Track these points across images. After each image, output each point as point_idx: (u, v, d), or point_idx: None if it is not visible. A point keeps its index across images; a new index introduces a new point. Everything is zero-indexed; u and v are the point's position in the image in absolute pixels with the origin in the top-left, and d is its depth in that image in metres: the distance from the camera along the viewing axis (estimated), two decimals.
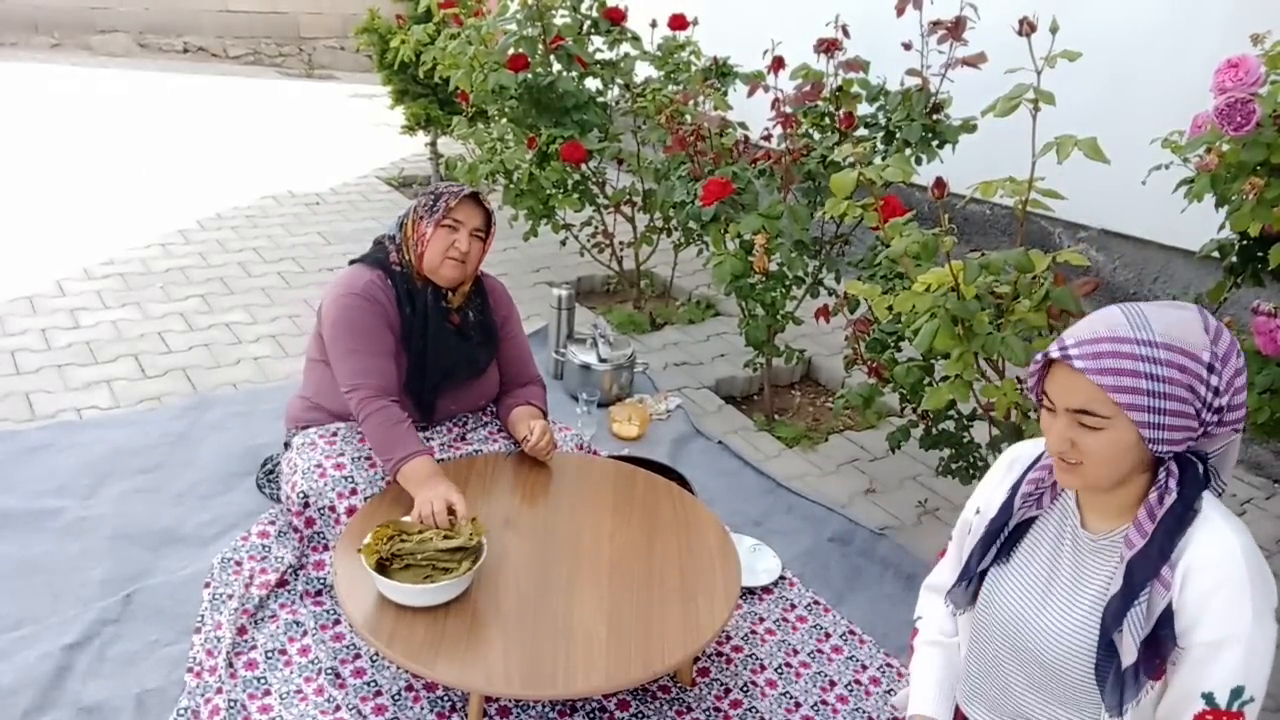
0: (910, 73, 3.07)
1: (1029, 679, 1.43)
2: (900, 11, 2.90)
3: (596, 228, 4.13)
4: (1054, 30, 2.05)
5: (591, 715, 2.02)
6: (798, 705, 2.11)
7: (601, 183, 4.10)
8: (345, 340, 2.29)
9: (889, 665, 2.24)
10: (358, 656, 2.10)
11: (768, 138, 3.32)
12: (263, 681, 2.01)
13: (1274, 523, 3.00)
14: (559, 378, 3.49)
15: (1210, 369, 1.21)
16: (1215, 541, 1.23)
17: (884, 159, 2.93)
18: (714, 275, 2.91)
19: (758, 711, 2.07)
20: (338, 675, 2.05)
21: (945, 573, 1.65)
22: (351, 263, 2.43)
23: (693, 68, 3.94)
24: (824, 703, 2.12)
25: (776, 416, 3.43)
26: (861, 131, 3.20)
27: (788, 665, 2.22)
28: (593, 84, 3.96)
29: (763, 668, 2.20)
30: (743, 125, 3.36)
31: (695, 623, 1.90)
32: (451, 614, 1.86)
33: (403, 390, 2.35)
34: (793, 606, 2.41)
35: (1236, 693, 1.21)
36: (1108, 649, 1.29)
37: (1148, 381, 1.21)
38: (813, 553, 2.64)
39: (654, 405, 3.35)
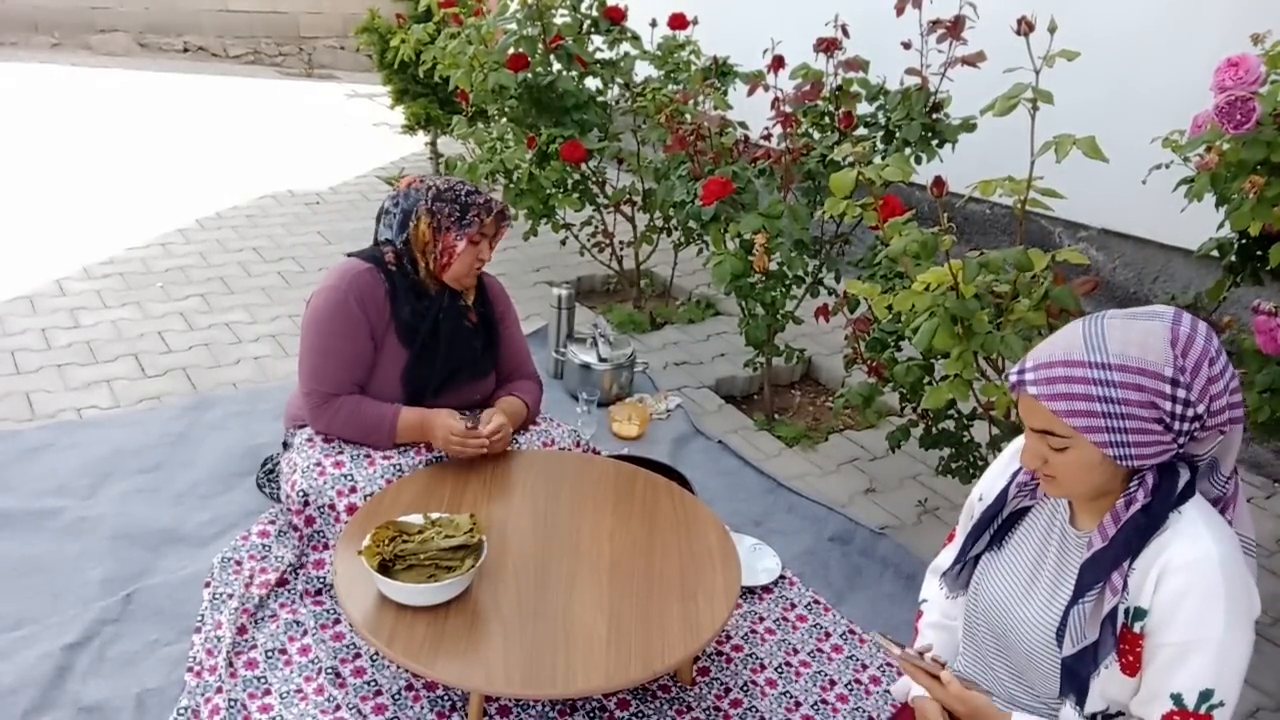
0: (910, 72, 3.08)
1: (1013, 667, 1.46)
2: (900, 11, 2.90)
3: (596, 227, 4.13)
4: (1052, 30, 2.06)
5: (591, 714, 2.02)
6: (798, 704, 2.11)
7: (601, 182, 4.09)
8: (312, 337, 2.31)
9: (889, 665, 2.24)
10: (358, 656, 2.10)
11: (767, 137, 3.32)
12: (263, 681, 2.02)
13: (1274, 522, 3.00)
14: (559, 377, 3.49)
15: (1174, 383, 1.21)
16: (1192, 547, 1.24)
17: (883, 158, 2.93)
18: (714, 275, 2.91)
19: (758, 711, 2.08)
20: (338, 674, 2.05)
21: (949, 555, 1.66)
22: (348, 256, 2.42)
23: (692, 67, 3.94)
24: (824, 702, 2.12)
25: (776, 416, 3.43)
26: (861, 131, 3.21)
27: (788, 664, 2.22)
28: (592, 83, 3.95)
29: (763, 667, 2.20)
30: (743, 125, 3.36)
31: (695, 622, 1.90)
32: (451, 613, 1.86)
33: (401, 383, 2.35)
34: (793, 606, 2.41)
35: (1205, 695, 1.22)
36: (1060, 643, 1.34)
37: (1102, 404, 1.22)
38: (813, 552, 2.64)
39: (654, 405, 3.35)
